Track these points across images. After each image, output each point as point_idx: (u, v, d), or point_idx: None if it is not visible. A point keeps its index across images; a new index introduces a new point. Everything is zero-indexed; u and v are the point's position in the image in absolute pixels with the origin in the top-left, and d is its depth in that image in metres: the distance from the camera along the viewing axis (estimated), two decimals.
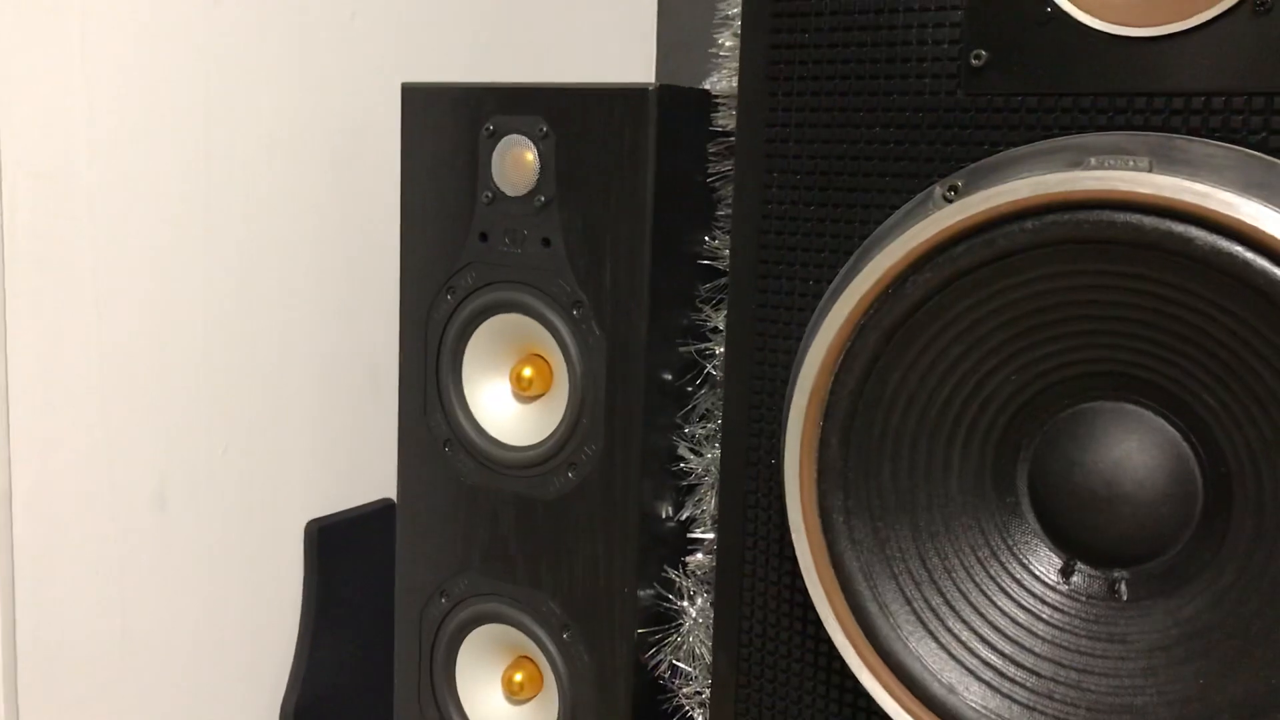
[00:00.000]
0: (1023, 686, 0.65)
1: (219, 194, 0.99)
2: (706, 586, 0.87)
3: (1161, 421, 0.63)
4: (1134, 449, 0.64)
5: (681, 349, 0.87)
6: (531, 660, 0.93)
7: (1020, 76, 0.65)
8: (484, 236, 0.88)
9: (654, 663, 0.87)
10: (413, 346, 0.93)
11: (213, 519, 1.03)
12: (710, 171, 0.86)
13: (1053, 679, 0.65)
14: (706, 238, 0.87)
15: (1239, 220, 0.55)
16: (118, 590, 0.96)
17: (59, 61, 0.87)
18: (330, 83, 1.08)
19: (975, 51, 0.66)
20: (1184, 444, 0.63)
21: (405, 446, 0.94)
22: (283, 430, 1.08)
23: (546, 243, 0.85)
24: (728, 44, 0.82)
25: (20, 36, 0.84)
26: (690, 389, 0.88)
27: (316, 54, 1.06)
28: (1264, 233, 0.55)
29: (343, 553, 1.12)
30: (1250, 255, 0.56)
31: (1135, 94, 0.63)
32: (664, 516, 0.87)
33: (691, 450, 0.87)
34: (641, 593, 0.86)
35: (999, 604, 0.67)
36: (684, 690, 0.87)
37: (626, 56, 1.41)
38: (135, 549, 0.97)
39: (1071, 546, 0.66)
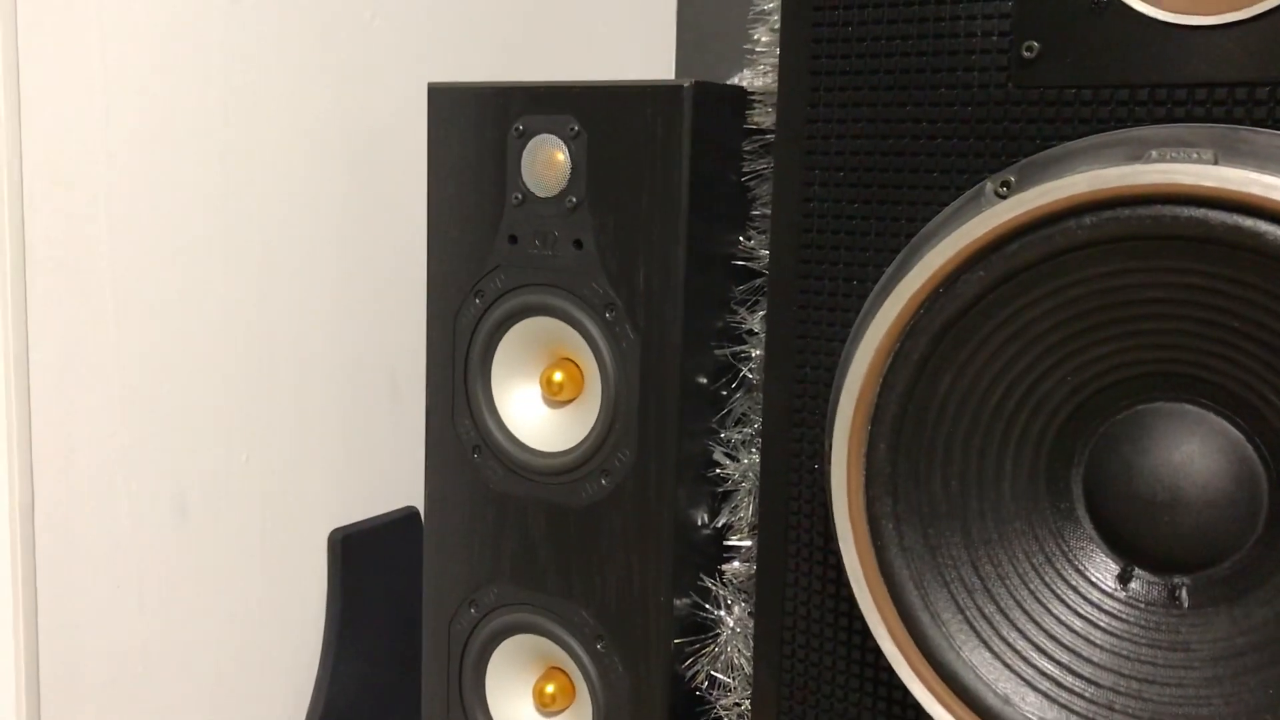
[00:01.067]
0: (1081, 697, 0.63)
1: (239, 199, 0.98)
2: (744, 595, 0.85)
3: (1224, 423, 0.61)
4: (1196, 452, 0.62)
5: (716, 352, 0.85)
6: (563, 671, 0.91)
7: (1074, 68, 0.63)
8: (513, 239, 0.86)
9: (691, 674, 0.85)
10: (440, 351, 0.91)
11: (234, 528, 1.01)
12: (745, 170, 0.84)
13: (1112, 689, 0.63)
14: (741, 238, 0.85)
15: None
16: (139, 601, 0.94)
17: (78, 66, 0.85)
18: (350, 85, 1.06)
19: (1027, 43, 0.64)
20: (1248, 446, 0.61)
21: (432, 453, 0.92)
22: (305, 438, 1.06)
23: (578, 244, 0.83)
24: (764, 39, 0.80)
25: (39, 41, 0.82)
26: (725, 393, 0.86)
27: (336, 56, 1.05)
28: None
29: (367, 563, 1.10)
30: None
31: (1196, 84, 0.61)
32: (700, 524, 0.85)
33: (728, 455, 0.85)
34: (677, 602, 0.84)
35: (1055, 612, 0.65)
36: (722, 702, 0.85)
37: (645, 54, 1.39)
38: (157, 559, 0.95)
39: (1130, 552, 0.64)
